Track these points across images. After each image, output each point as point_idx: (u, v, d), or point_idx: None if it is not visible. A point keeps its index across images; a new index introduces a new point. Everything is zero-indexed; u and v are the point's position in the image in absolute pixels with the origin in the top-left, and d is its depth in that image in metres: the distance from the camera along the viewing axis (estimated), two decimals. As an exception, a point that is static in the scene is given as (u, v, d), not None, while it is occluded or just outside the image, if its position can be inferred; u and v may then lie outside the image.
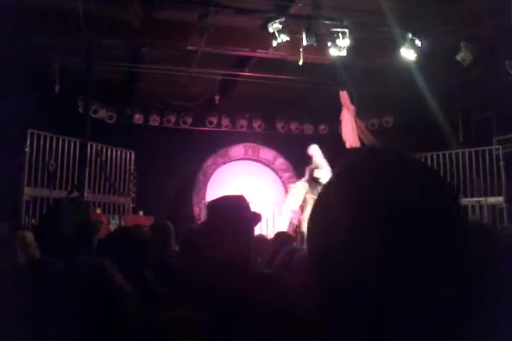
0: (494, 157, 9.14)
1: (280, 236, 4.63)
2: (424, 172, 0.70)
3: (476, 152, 9.35)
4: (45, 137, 8.54)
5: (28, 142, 8.26)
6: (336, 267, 0.66)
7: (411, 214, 0.63)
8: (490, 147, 9.27)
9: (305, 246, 3.66)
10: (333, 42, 7.16)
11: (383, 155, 0.73)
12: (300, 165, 9.84)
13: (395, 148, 0.77)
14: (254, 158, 11.92)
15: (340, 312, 0.66)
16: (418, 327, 0.61)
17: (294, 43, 7.18)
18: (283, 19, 6.91)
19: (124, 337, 1.40)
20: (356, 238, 0.64)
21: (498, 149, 9.12)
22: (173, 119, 10.89)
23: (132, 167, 10.25)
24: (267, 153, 11.90)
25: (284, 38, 6.93)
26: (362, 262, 0.63)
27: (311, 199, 8.46)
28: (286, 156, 11.75)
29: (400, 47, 7.42)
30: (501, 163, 9.07)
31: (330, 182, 0.73)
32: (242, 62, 8.99)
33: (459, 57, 7.49)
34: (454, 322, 0.62)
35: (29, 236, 4.08)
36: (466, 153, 9.47)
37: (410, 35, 7.29)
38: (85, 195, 7.63)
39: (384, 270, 0.62)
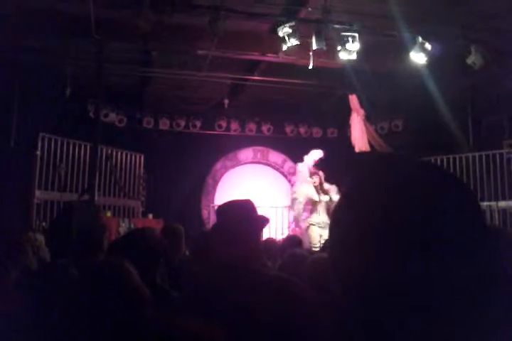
0: (505, 160, 9.09)
1: (290, 239, 4.63)
2: (442, 177, 0.70)
3: (487, 155, 9.30)
4: (56, 141, 8.61)
5: (39, 145, 8.32)
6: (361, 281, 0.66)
7: (433, 225, 0.63)
8: (500, 151, 9.22)
9: (312, 251, 3.65)
10: (343, 46, 7.16)
11: (397, 166, 0.72)
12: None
13: (405, 156, 0.77)
14: (263, 161, 11.95)
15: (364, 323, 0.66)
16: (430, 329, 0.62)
17: (303, 47, 7.19)
18: (293, 23, 6.92)
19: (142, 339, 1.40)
20: (380, 253, 0.64)
21: (509, 153, 9.06)
22: (182, 123, 10.93)
23: (142, 170, 10.30)
24: (276, 156, 11.92)
25: (293, 42, 6.94)
26: (385, 276, 0.63)
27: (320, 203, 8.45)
28: (295, 160, 11.74)
29: (409, 51, 7.41)
30: (512, 167, 9.02)
31: (347, 196, 0.73)
32: (252, 67, 9.02)
33: (469, 61, 7.47)
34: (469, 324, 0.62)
35: (40, 238, 4.11)
36: (477, 157, 9.42)
37: (420, 39, 7.28)
38: (96, 198, 7.66)
39: (406, 283, 0.62)
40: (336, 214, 0.73)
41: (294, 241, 4.39)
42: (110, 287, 1.38)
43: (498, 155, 9.18)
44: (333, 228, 0.73)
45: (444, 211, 0.64)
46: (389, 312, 0.63)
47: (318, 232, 8.17)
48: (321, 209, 8.38)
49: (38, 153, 8.29)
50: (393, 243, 0.63)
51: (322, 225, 8.16)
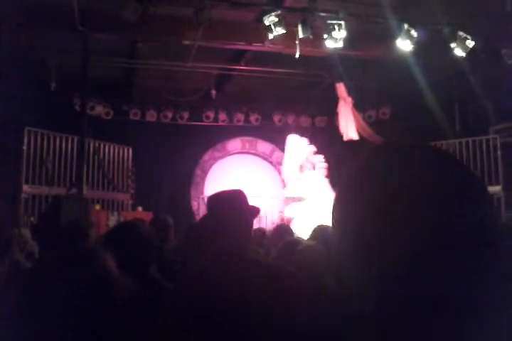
0: (491, 146, 9.16)
1: (280, 228, 4.65)
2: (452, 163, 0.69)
3: (474, 141, 9.37)
4: (42, 135, 8.52)
5: (26, 140, 8.24)
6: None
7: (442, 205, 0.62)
8: (487, 137, 9.29)
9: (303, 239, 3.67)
10: (329, 34, 7.14)
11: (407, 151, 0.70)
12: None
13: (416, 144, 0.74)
14: (251, 151, 11.93)
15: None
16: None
17: (289, 36, 7.16)
18: (279, 12, 6.89)
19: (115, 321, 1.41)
20: (393, 232, 0.63)
21: (496, 138, 9.14)
22: (169, 115, 10.86)
23: (130, 163, 10.24)
24: (264, 146, 11.91)
25: (280, 30, 6.90)
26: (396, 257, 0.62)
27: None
28: (284, 149, 11.75)
29: (396, 39, 7.40)
30: (498, 153, 9.09)
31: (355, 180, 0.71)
32: (238, 56, 8.97)
33: (455, 47, 7.49)
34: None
35: (26, 233, 4.10)
36: (464, 143, 9.49)
37: (406, 26, 7.27)
38: (84, 192, 7.62)
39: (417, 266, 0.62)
40: (344, 203, 0.71)
41: (284, 230, 4.40)
42: (82, 273, 1.40)
43: (484, 141, 9.26)
44: (341, 214, 0.71)
45: (457, 199, 0.63)
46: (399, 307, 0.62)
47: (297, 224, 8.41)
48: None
49: (25, 147, 8.21)
50: (407, 232, 0.62)
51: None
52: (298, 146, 9.23)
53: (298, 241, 3.29)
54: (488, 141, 9.23)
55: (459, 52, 7.52)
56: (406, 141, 0.72)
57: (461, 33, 7.42)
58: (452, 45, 7.49)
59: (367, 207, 0.66)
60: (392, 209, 0.63)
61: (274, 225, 7.61)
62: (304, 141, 9.36)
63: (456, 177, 0.66)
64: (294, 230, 4.66)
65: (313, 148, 9.34)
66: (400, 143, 0.72)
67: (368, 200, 0.66)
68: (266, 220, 9.87)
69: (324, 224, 3.53)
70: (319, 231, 3.36)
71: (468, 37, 7.41)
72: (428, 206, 0.62)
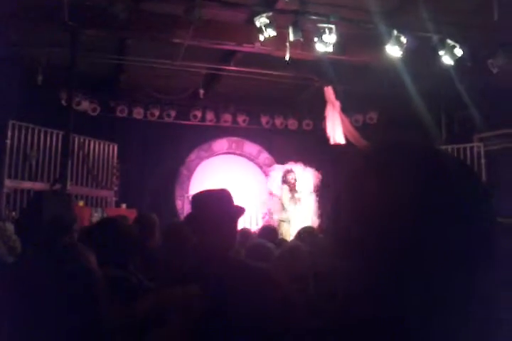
0: (475, 154, 9.27)
1: (265, 229, 4.64)
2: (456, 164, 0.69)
3: (458, 149, 9.48)
4: (26, 128, 8.43)
5: (9, 134, 8.13)
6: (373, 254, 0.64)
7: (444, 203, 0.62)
8: (471, 144, 9.40)
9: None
10: (320, 37, 7.16)
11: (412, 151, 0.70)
12: (284, 160, 9.85)
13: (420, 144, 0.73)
14: (238, 152, 11.93)
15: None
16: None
17: (280, 38, 7.17)
18: (270, 13, 6.89)
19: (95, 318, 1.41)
20: (393, 226, 0.62)
21: (480, 147, 9.25)
22: (157, 112, 10.81)
23: (115, 160, 10.17)
24: (251, 147, 11.91)
25: (270, 32, 6.91)
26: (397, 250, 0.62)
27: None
28: (271, 151, 11.77)
29: (385, 44, 7.45)
30: (482, 161, 9.20)
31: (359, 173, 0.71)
32: (228, 57, 8.96)
33: (443, 55, 7.56)
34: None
35: (10, 227, 4.04)
36: (449, 150, 9.58)
37: (396, 32, 7.32)
38: (68, 188, 7.54)
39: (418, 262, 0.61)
40: (343, 203, 0.70)
41: (268, 231, 4.40)
42: (64, 269, 1.39)
43: (468, 149, 9.37)
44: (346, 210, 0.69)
45: (459, 197, 0.63)
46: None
47: (286, 228, 8.42)
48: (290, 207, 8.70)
49: (8, 141, 8.11)
50: (409, 231, 0.62)
51: (289, 221, 8.50)
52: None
53: (264, 244, 3.28)
54: (472, 148, 9.34)
55: (447, 60, 7.59)
56: (405, 142, 0.72)
57: (449, 41, 7.49)
58: (441, 52, 7.56)
59: (365, 205, 0.65)
60: (389, 209, 0.63)
61: (260, 226, 7.62)
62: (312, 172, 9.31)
63: (459, 179, 0.66)
64: (279, 232, 4.66)
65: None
66: (399, 142, 0.72)
67: (366, 199, 0.66)
68: (250, 221, 9.87)
69: (309, 225, 3.53)
70: (304, 233, 3.36)
71: (457, 45, 7.48)
72: (427, 206, 0.62)
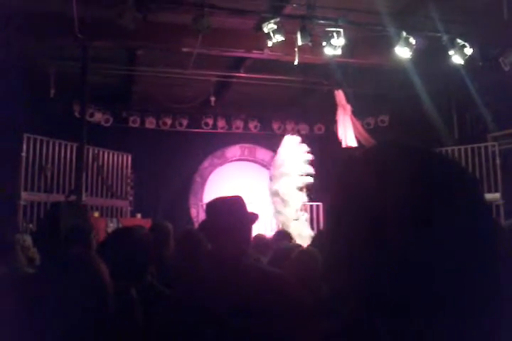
0: (490, 154, 9.17)
1: (279, 234, 4.64)
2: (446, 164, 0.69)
3: (472, 149, 9.38)
4: (41, 141, 8.52)
5: (25, 147, 8.23)
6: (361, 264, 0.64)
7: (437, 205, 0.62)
8: (485, 144, 9.30)
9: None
10: (328, 41, 7.17)
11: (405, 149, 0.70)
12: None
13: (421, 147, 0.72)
14: (250, 158, 11.95)
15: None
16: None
17: (289, 43, 7.19)
18: (278, 19, 6.92)
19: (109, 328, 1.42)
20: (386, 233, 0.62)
21: (494, 146, 9.15)
22: (169, 122, 10.89)
23: (129, 170, 10.24)
24: (263, 153, 11.92)
25: (279, 38, 6.94)
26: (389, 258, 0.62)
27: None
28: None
29: (394, 46, 7.44)
30: (497, 160, 9.09)
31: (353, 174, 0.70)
32: (237, 64, 9.00)
33: (453, 55, 7.52)
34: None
35: (28, 239, 4.10)
36: (462, 150, 9.49)
37: (405, 34, 7.31)
38: (83, 199, 7.61)
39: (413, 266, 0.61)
40: (342, 205, 0.69)
41: (283, 236, 4.39)
42: (76, 276, 1.41)
43: (483, 148, 9.27)
44: (342, 216, 0.69)
45: (456, 202, 0.63)
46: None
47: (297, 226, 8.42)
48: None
49: (24, 154, 8.21)
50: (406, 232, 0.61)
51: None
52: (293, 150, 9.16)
53: (295, 247, 3.28)
54: (486, 148, 9.24)
55: (457, 59, 7.55)
56: (401, 142, 0.72)
57: (459, 41, 7.45)
58: (450, 52, 7.53)
59: (359, 207, 0.65)
60: (385, 210, 0.63)
61: (274, 231, 7.62)
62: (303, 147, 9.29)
63: (455, 181, 0.66)
64: (293, 236, 4.65)
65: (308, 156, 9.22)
66: (395, 143, 0.72)
67: (361, 200, 0.65)
68: (265, 227, 9.85)
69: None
70: (318, 237, 3.35)
71: (467, 44, 7.44)
72: (426, 205, 0.62)
